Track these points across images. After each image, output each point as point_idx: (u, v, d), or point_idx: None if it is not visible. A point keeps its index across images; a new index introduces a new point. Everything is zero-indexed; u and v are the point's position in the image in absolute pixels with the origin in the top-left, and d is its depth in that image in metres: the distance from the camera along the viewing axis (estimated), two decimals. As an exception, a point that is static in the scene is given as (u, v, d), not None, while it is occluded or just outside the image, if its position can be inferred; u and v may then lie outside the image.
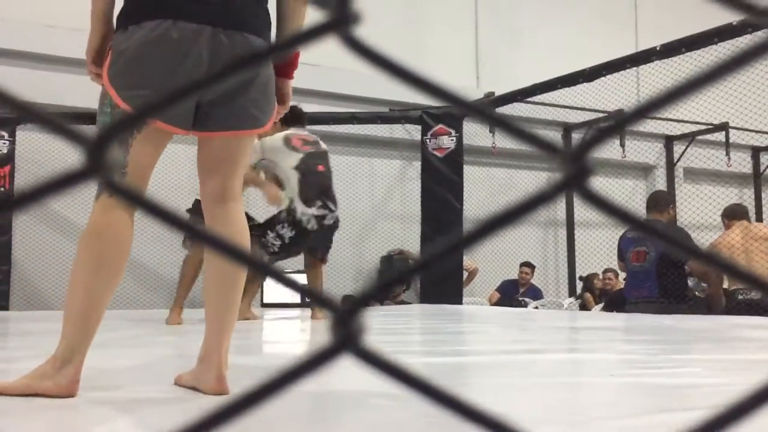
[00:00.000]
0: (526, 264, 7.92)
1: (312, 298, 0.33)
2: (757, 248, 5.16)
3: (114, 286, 1.64)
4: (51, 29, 6.63)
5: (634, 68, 6.10)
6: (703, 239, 5.48)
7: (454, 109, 7.10)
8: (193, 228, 0.32)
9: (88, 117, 5.98)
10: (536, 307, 7.38)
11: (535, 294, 7.91)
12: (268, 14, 1.81)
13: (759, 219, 9.02)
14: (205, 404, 1.59)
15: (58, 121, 0.31)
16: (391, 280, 0.33)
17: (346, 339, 0.31)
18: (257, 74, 1.70)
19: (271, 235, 4.37)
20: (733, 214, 5.55)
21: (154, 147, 1.70)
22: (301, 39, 0.32)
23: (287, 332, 4.22)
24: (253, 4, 1.73)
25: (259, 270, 0.34)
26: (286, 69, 1.87)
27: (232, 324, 1.73)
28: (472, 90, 8.07)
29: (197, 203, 4.47)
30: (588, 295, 7.65)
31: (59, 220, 6.56)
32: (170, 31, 1.60)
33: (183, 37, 1.60)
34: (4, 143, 6.37)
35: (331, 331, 0.31)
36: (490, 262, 8.05)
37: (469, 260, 7.61)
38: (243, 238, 1.75)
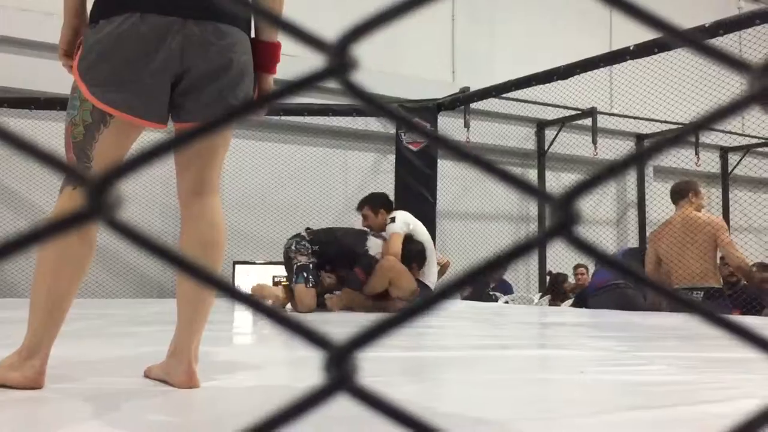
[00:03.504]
0: (502, 259, 7.94)
1: (304, 335, 0.31)
2: (693, 240, 4.67)
3: (80, 277, 1.61)
4: (25, 12, 6.50)
5: (608, 67, 6.16)
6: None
7: (429, 104, 7.11)
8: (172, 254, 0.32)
9: (58, 102, 5.88)
10: (506, 302, 7.43)
11: (506, 289, 7.96)
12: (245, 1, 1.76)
13: (726, 217, 9.16)
14: (174, 398, 1.58)
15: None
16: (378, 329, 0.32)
17: (340, 378, 0.30)
18: (231, 60, 1.64)
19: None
20: (677, 194, 4.95)
21: (124, 141, 1.65)
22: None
23: (259, 324, 4.20)
24: None
25: (227, 292, 0.32)
26: (266, 63, 1.75)
27: (204, 319, 1.70)
28: (447, 84, 8.08)
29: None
30: (550, 296, 7.69)
31: (24, 204, 6.45)
32: (138, 25, 1.56)
33: (152, 30, 1.57)
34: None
35: (325, 370, 0.30)
36: (462, 256, 8.07)
37: (440, 254, 7.62)
38: (218, 232, 1.71)
